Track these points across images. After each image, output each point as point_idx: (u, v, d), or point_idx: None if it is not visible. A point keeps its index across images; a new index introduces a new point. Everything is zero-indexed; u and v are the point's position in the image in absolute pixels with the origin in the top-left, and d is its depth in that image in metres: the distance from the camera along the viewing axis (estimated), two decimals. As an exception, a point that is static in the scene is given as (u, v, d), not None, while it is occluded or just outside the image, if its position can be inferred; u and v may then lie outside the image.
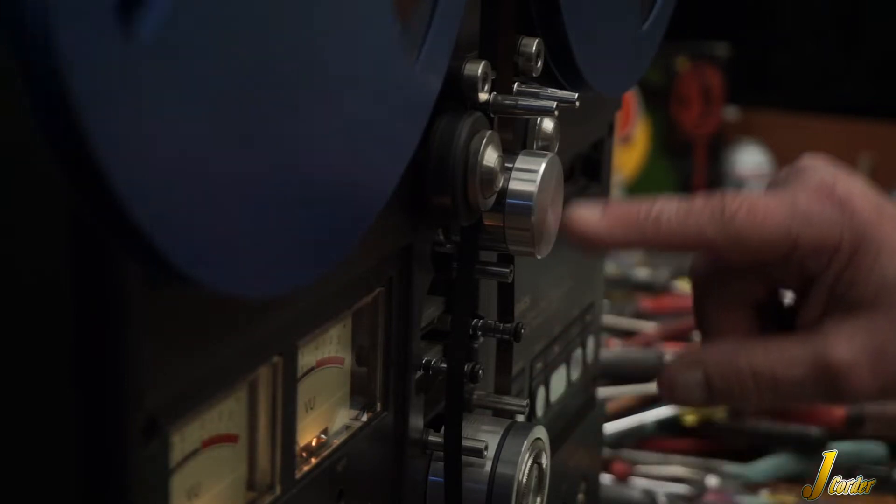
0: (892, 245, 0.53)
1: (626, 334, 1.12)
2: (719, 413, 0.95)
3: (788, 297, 0.57)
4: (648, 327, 1.14)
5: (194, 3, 0.33)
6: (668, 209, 0.54)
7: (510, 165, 0.52)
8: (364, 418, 0.50)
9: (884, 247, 0.53)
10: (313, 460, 0.47)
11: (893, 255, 0.53)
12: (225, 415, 0.42)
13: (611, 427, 0.91)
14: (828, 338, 0.54)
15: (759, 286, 0.57)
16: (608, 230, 0.54)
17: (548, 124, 0.56)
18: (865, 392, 0.53)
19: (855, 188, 0.54)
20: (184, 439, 0.40)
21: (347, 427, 0.49)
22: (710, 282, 0.57)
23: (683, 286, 1.27)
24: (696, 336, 1.10)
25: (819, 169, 0.55)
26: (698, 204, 0.53)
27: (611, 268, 1.26)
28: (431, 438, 0.53)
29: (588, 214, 0.54)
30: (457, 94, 0.50)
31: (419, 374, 0.52)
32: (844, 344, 0.53)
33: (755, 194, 0.55)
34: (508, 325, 0.55)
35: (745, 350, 0.55)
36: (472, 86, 0.50)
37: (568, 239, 0.54)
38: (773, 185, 0.56)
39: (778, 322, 0.56)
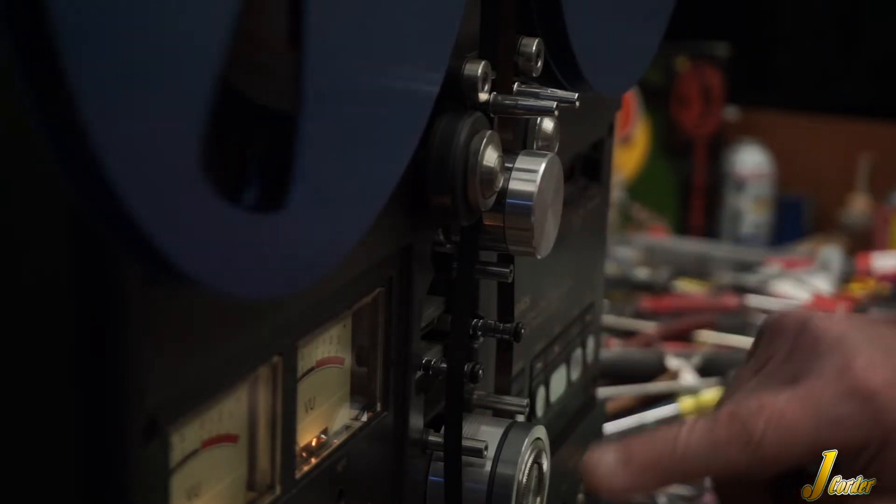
0: None
1: (626, 334, 1.12)
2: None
3: None
4: (648, 327, 1.13)
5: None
6: (691, 445, 0.52)
7: (510, 165, 0.52)
8: (364, 418, 0.50)
9: None
10: (313, 460, 0.47)
11: None
12: (225, 415, 0.42)
13: (611, 427, 0.91)
14: None
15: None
16: (632, 480, 0.53)
17: (548, 124, 0.56)
18: None
19: (877, 375, 0.53)
20: (184, 439, 0.40)
21: (347, 427, 0.49)
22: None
23: (683, 286, 1.27)
24: (696, 336, 1.10)
25: (833, 347, 0.54)
26: (721, 432, 0.52)
27: (611, 268, 1.26)
28: (431, 438, 0.53)
29: (608, 465, 0.53)
30: (457, 94, 0.50)
31: (419, 374, 0.52)
32: None
33: (774, 400, 0.53)
34: (508, 325, 0.55)
35: None
36: (472, 86, 0.50)
37: (588, 490, 0.53)
38: (784, 362, 0.55)
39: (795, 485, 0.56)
